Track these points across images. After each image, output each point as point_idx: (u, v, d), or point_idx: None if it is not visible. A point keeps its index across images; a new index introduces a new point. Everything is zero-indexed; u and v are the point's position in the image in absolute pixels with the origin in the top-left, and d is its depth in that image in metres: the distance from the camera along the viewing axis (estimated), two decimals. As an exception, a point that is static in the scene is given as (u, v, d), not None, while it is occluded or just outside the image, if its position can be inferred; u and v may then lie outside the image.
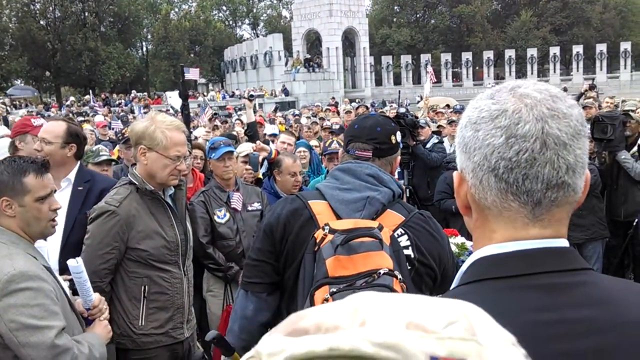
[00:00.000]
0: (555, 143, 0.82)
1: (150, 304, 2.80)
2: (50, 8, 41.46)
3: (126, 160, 5.55)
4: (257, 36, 50.50)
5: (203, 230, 3.87)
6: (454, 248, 3.10)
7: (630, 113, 5.73)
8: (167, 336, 2.84)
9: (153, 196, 2.80)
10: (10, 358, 1.97)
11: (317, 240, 1.77)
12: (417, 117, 6.52)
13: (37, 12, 41.75)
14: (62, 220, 2.82)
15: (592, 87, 12.73)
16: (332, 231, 1.77)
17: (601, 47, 39.75)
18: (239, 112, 17.25)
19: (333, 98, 30.31)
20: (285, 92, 33.75)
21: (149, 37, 50.61)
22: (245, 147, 4.88)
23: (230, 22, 56.77)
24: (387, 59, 41.69)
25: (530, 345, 0.49)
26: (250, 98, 7.02)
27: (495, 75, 41.25)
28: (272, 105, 27.29)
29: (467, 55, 41.28)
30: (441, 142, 6.69)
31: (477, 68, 43.36)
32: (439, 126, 8.06)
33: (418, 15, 52.89)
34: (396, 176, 2.17)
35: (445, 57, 41.93)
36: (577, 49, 40.06)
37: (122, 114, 20.86)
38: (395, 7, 53.10)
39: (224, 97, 33.06)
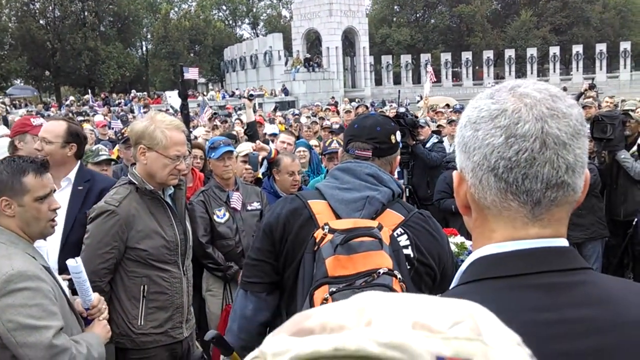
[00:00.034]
0: (554, 142, 0.82)
1: (150, 304, 2.79)
2: (50, 7, 41.45)
3: (125, 160, 5.55)
4: (257, 36, 50.50)
5: (202, 230, 3.87)
6: (453, 247, 3.10)
7: (630, 112, 5.74)
8: (166, 336, 2.84)
9: (153, 196, 2.80)
10: (9, 358, 1.96)
11: (317, 240, 1.77)
12: (416, 117, 6.52)
13: (37, 11, 41.73)
14: (62, 220, 2.82)
15: (591, 87, 12.73)
16: (331, 231, 1.77)
17: (601, 47, 39.75)
18: (238, 112, 17.26)
19: (333, 98, 30.32)
20: (285, 91, 33.76)
21: (149, 36, 50.61)
22: (245, 147, 4.88)
23: (230, 22, 56.77)
24: (387, 59, 41.69)
25: (530, 345, 0.49)
26: (250, 98, 7.02)
27: (495, 74, 41.25)
28: (271, 104, 27.30)
29: (467, 55, 41.28)
30: (441, 141, 6.69)
31: (477, 68, 43.36)
32: (438, 126, 8.05)
33: (418, 15, 52.89)
34: (396, 176, 2.17)
35: (445, 56, 41.93)
36: (577, 48, 40.06)
37: (121, 113, 20.85)
38: (395, 7, 53.10)
39: (223, 97, 33.07)
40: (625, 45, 39.64)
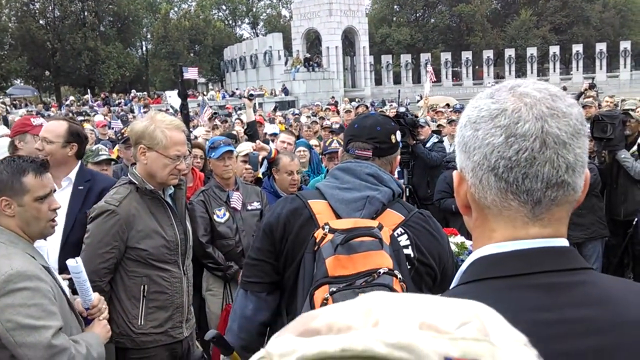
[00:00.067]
0: (554, 142, 0.82)
1: (150, 303, 2.80)
2: (50, 7, 41.47)
3: (125, 160, 5.55)
4: (257, 35, 50.50)
5: (202, 230, 3.87)
6: (453, 247, 3.10)
7: (630, 112, 5.73)
8: (166, 335, 2.84)
9: (153, 195, 2.80)
10: (8, 358, 1.97)
11: (317, 240, 1.77)
12: (417, 117, 6.54)
13: (37, 11, 41.74)
14: (62, 220, 2.82)
15: (591, 86, 12.74)
16: (332, 230, 1.77)
17: (601, 46, 39.76)
18: (238, 112, 17.27)
19: (333, 97, 30.33)
20: (285, 91, 33.76)
21: (149, 36, 50.62)
22: (245, 147, 4.88)
23: (230, 22, 56.77)
24: (386, 58, 41.68)
25: (531, 345, 0.49)
26: (250, 97, 7.03)
27: (495, 74, 41.25)
28: (271, 104, 27.31)
29: (466, 55, 41.28)
30: (441, 141, 6.69)
31: (476, 67, 43.34)
32: (438, 125, 8.05)
33: (418, 15, 52.89)
34: (396, 175, 2.17)
35: (445, 56, 41.93)
36: (577, 48, 40.04)
37: (121, 113, 20.87)
38: (395, 6, 53.09)
39: (223, 97, 33.07)
40: (625, 45, 39.63)
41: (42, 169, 2.17)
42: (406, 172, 5.42)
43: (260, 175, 4.88)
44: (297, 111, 17.92)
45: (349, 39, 38.72)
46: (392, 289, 1.64)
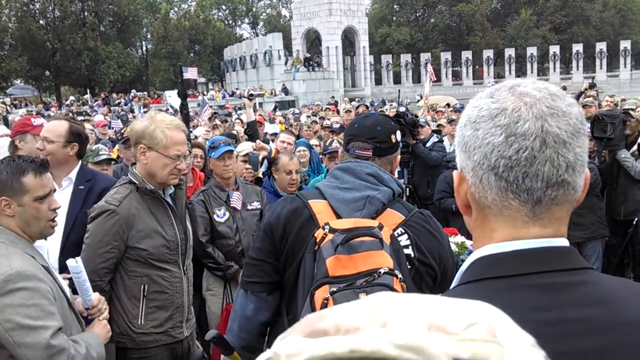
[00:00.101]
0: (554, 141, 0.82)
1: (150, 303, 2.80)
2: (50, 7, 41.45)
3: (125, 159, 5.55)
4: (257, 35, 50.48)
5: (203, 230, 3.87)
6: (454, 247, 3.10)
7: (630, 112, 5.73)
8: (167, 335, 2.84)
9: (153, 195, 2.80)
10: (6, 358, 1.96)
11: (317, 240, 1.77)
12: (417, 116, 6.53)
13: (37, 11, 41.73)
14: (62, 219, 2.83)
15: (592, 86, 12.72)
16: (332, 230, 1.77)
17: (601, 46, 39.73)
18: (238, 111, 17.28)
19: (333, 97, 30.32)
20: (285, 91, 33.75)
21: (149, 36, 50.61)
22: (245, 146, 4.88)
23: (230, 22, 56.75)
24: (386, 58, 41.67)
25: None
26: (250, 97, 7.04)
27: (495, 74, 41.22)
28: (271, 104, 27.31)
29: (466, 54, 41.26)
30: (441, 141, 6.69)
31: (477, 67, 43.33)
32: (438, 125, 8.05)
33: (418, 14, 52.87)
34: (396, 175, 2.17)
35: (445, 56, 41.91)
36: (577, 47, 40.01)
37: (121, 113, 20.87)
38: (395, 6, 53.07)
39: (223, 97, 33.07)
40: (625, 44, 39.59)
41: (42, 169, 2.17)
42: (406, 171, 5.42)
43: (260, 175, 4.88)
44: (297, 111, 17.94)
45: (348, 39, 38.70)
46: (392, 289, 1.64)
